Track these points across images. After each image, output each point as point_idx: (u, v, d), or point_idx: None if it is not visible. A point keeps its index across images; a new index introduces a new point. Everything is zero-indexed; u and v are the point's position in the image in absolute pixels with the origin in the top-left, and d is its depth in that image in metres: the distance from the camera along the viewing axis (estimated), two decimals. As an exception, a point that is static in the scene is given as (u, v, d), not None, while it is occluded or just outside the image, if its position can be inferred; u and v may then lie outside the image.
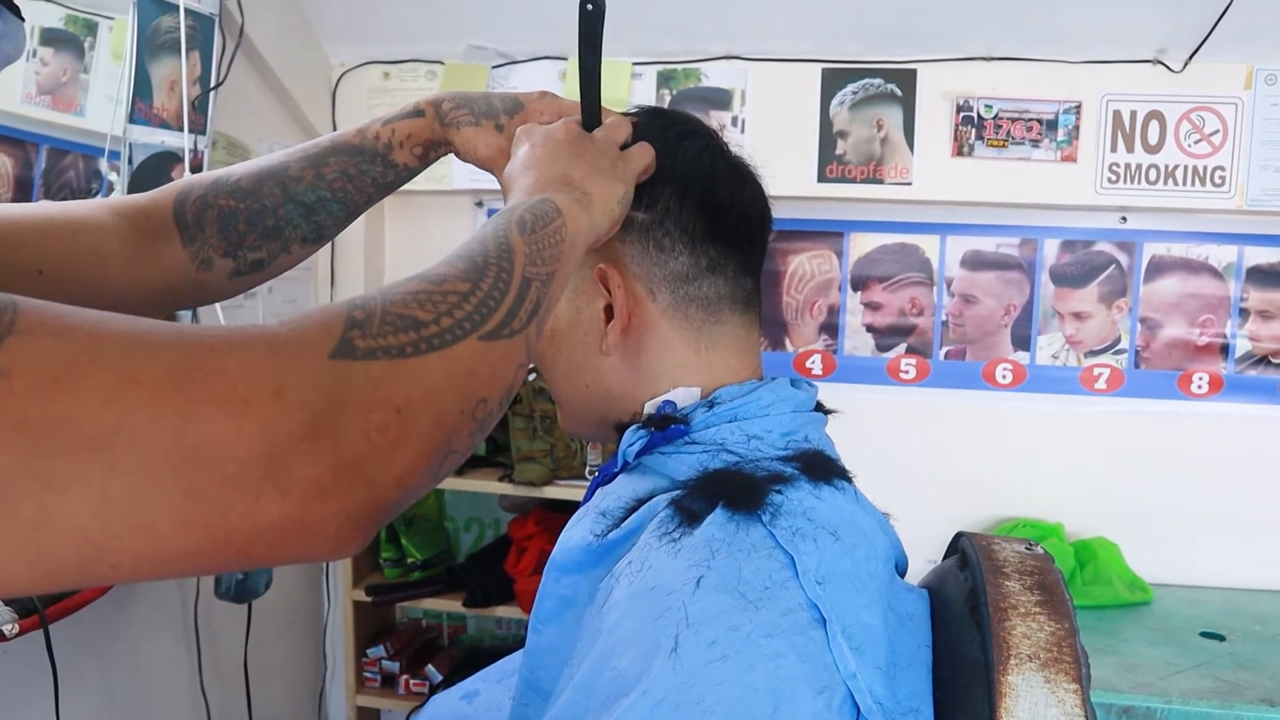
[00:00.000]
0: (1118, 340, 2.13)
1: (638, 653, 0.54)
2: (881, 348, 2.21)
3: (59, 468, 0.35)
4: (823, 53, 2.04)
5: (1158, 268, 2.10)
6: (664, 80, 2.12)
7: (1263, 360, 2.10)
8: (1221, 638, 1.84)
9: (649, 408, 0.73)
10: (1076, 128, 1.98)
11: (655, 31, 2.07)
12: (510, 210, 0.60)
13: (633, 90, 2.11)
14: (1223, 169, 1.96)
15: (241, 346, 0.41)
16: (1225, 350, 2.10)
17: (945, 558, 0.80)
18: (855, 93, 2.05)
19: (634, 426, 0.71)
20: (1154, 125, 1.96)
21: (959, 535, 0.76)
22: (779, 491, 0.63)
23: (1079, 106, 1.98)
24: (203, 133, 1.69)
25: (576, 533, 0.70)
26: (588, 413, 0.78)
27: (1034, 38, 1.95)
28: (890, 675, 0.61)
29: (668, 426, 0.69)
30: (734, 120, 2.12)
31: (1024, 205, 2.06)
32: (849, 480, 0.71)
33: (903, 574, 0.75)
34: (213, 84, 1.71)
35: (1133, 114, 1.97)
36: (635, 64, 2.11)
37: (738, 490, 0.63)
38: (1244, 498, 2.10)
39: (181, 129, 1.64)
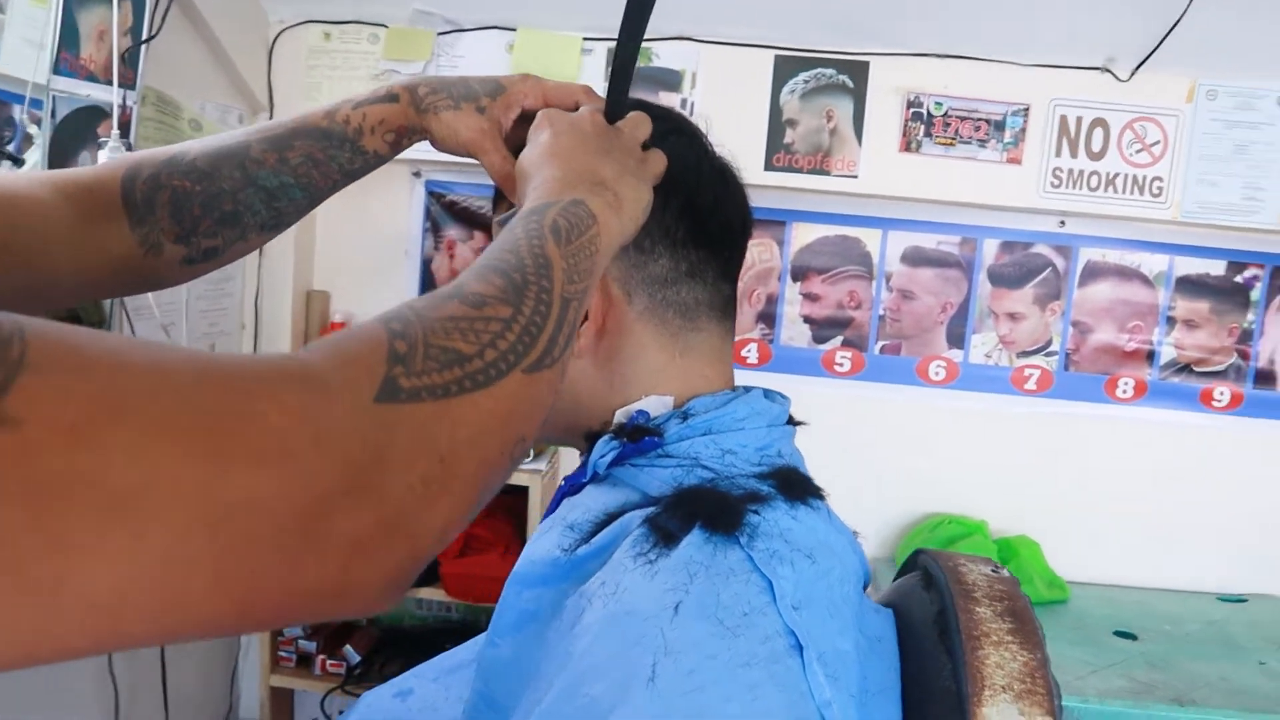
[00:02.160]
0: (1049, 342, 2.16)
1: (613, 681, 0.52)
2: (818, 339, 2.21)
3: (78, 530, 0.31)
4: (776, 39, 2.02)
5: (1092, 273, 2.13)
6: (614, 57, 2.08)
7: (1185, 368, 2.15)
8: (1134, 637, 1.89)
9: (620, 416, 0.70)
10: (1023, 130, 2.00)
11: (607, 7, 2.02)
12: (541, 211, 0.56)
13: (582, 66, 2.07)
14: (1161, 180, 1.99)
15: (279, 389, 0.37)
16: (1151, 357, 2.15)
17: (902, 574, 0.79)
18: (807, 82, 2.04)
19: (606, 437, 0.68)
20: (1098, 132, 1.99)
21: (919, 553, 0.75)
22: (756, 512, 0.61)
23: (1027, 109, 1.99)
24: (132, 88, 1.61)
25: (542, 546, 0.67)
26: (555, 417, 0.73)
27: (987, 39, 1.95)
28: (862, 702, 0.59)
29: (641, 438, 0.67)
30: (683, 103, 2.09)
31: (967, 204, 2.08)
32: (822, 499, 0.69)
33: (865, 589, 0.74)
34: (145, 36, 1.62)
35: (1079, 120, 1.99)
36: (586, 39, 2.06)
37: (715, 510, 0.60)
38: (1160, 501, 2.16)
39: (110, 82, 1.55)
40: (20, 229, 0.62)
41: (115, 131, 1.54)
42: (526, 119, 0.78)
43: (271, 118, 2.13)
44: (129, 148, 1.55)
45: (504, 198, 0.77)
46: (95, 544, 0.31)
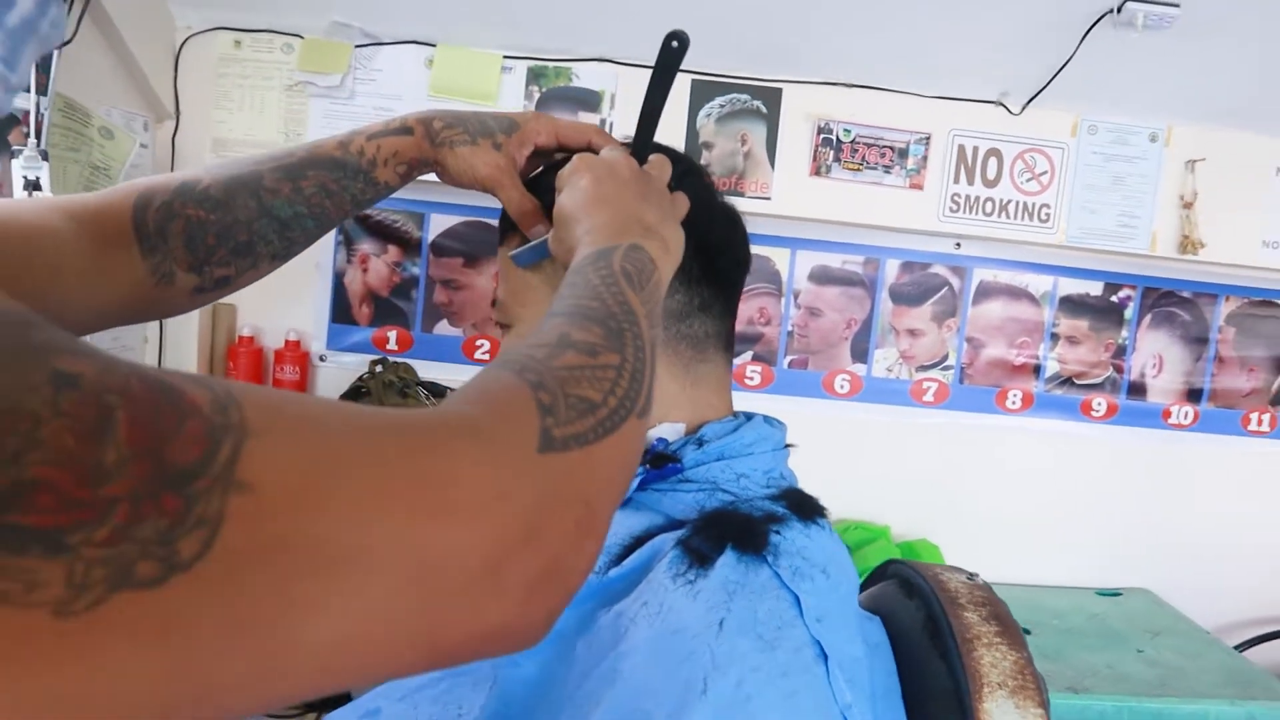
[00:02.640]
0: (946, 357, 2.29)
1: (668, 695, 0.56)
2: (730, 354, 2.28)
3: (309, 590, 0.33)
4: (693, 64, 2.08)
5: (985, 292, 2.27)
6: (534, 76, 2.11)
7: (1067, 381, 2.31)
8: (1028, 631, 2.02)
9: None
10: (925, 158, 2.11)
11: (528, 26, 2.05)
12: (606, 256, 0.58)
13: (502, 84, 2.08)
14: (1048, 207, 2.14)
15: (464, 447, 0.39)
16: (1037, 370, 2.31)
17: (871, 582, 0.85)
18: (723, 106, 2.11)
19: None
20: (993, 161, 2.12)
21: (892, 563, 0.82)
22: (777, 532, 0.66)
23: (928, 138, 2.11)
24: (44, 93, 1.54)
25: None
26: None
27: (893, 70, 2.06)
28: (874, 704, 0.65)
29: (663, 464, 0.71)
30: (603, 123, 2.13)
31: (872, 226, 2.18)
32: (826, 517, 0.74)
33: None
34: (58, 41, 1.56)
35: (975, 149, 2.12)
36: (506, 57, 2.08)
37: (742, 532, 0.65)
38: (1046, 504, 2.32)
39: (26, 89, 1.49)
40: (35, 264, 0.61)
41: (32, 140, 1.48)
42: (538, 155, 0.81)
43: (178, 127, 2.08)
44: (45, 156, 1.50)
45: (512, 231, 0.79)
46: (321, 602, 0.33)
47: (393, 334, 2.19)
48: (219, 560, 0.31)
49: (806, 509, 0.72)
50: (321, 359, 2.18)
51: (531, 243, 0.76)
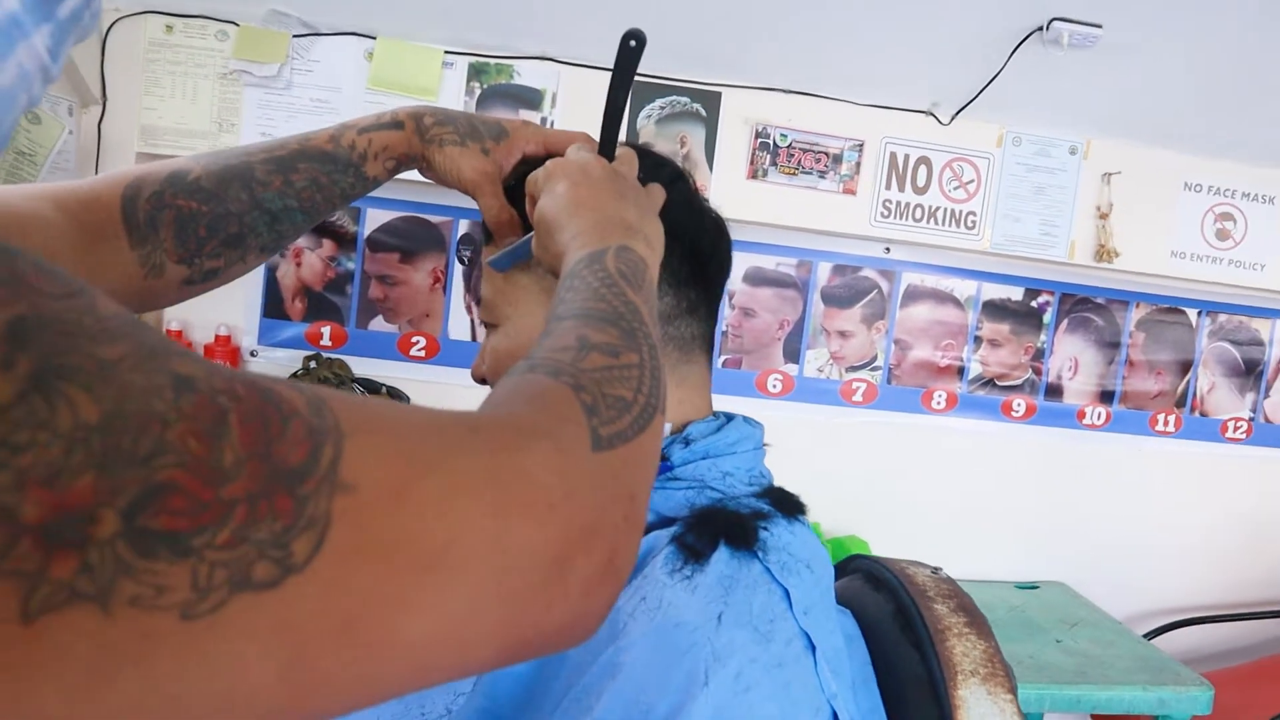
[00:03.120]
0: (875, 358, 2.35)
1: (671, 687, 0.58)
2: (666, 353, 2.31)
3: (407, 587, 0.33)
4: (634, 65, 2.10)
5: (912, 295, 2.34)
6: (475, 73, 2.10)
7: (989, 382, 2.40)
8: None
9: None
10: (858, 164, 2.17)
11: (469, 22, 2.04)
12: (599, 259, 0.59)
13: (443, 79, 2.07)
14: (974, 214, 2.22)
15: (530, 444, 0.40)
16: (961, 372, 2.39)
17: (835, 578, 0.88)
18: (662, 108, 2.13)
19: None
20: (922, 169, 2.19)
21: (856, 558, 0.85)
22: (765, 528, 0.69)
23: (862, 145, 2.17)
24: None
25: None
26: None
27: (829, 78, 2.11)
28: (855, 692, 0.68)
29: None
30: (543, 121, 2.14)
31: (806, 230, 2.23)
32: (806, 513, 0.77)
33: None
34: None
35: (906, 157, 2.19)
36: (447, 52, 2.07)
37: (734, 528, 0.67)
38: (969, 501, 2.41)
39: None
40: None
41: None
42: (525, 164, 0.81)
43: (104, 113, 2.01)
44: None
45: (493, 239, 0.80)
46: (415, 599, 0.34)
47: (326, 329, 2.16)
48: (328, 561, 0.32)
49: (789, 506, 0.74)
50: (253, 354, 2.13)
51: (507, 248, 0.76)
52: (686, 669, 0.58)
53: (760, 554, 0.67)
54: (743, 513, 0.70)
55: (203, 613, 0.29)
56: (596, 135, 0.82)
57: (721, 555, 0.65)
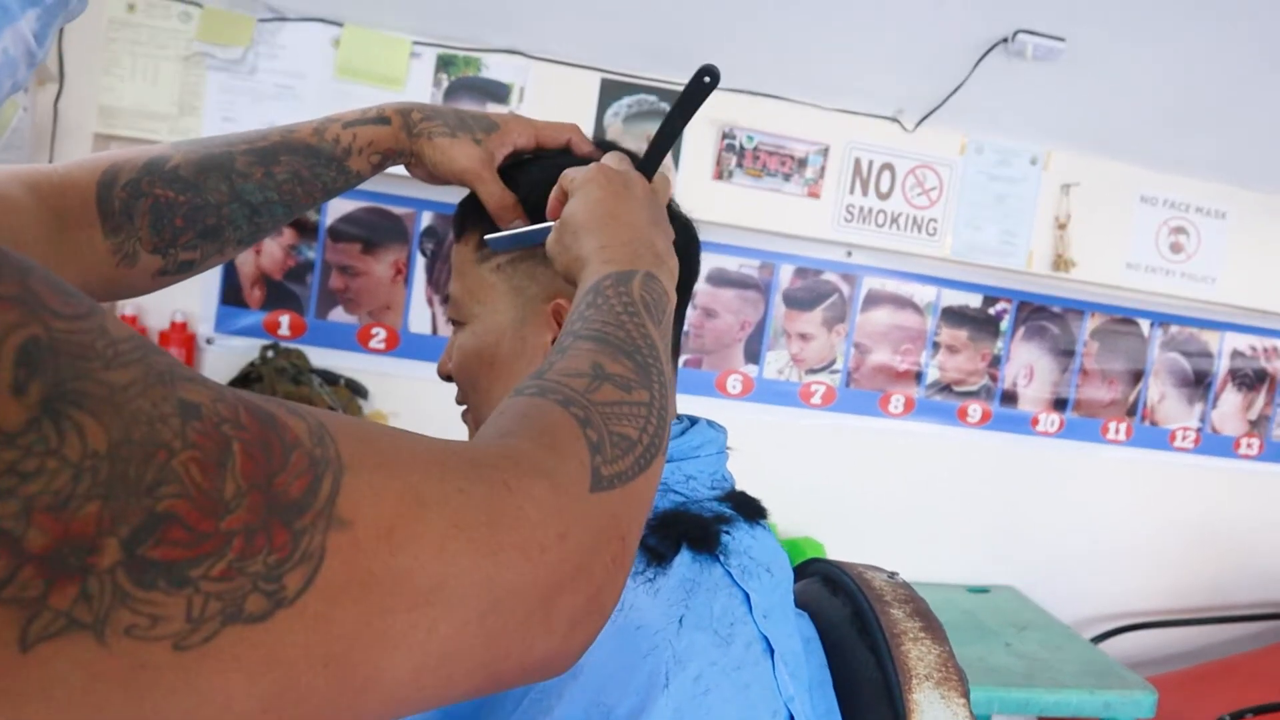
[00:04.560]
0: (834, 361, 2.37)
1: (631, 689, 0.58)
2: (628, 351, 2.31)
3: (395, 625, 0.34)
4: (603, 63, 2.10)
5: (873, 300, 2.37)
6: (443, 64, 2.09)
7: (946, 388, 2.43)
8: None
9: None
10: (823, 168, 2.19)
11: (438, 12, 2.03)
12: (626, 282, 0.59)
13: (410, 70, 2.06)
14: (936, 221, 2.24)
15: (529, 484, 0.40)
16: (919, 377, 2.41)
17: (794, 581, 0.89)
18: (630, 106, 2.13)
19: None
20: (886, 175, 2.21)
21: (814, 561, 0.86)
22: (727, 532, 0.69)
23: (827, 149, 2.19)
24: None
25: None
26: None
27: (796, 82, 2.12)
28: (811, 694, 0.68)
29: None
30: (510, 115, 2.12)
31: (769, 232, 2.24)
32: (767, 518, 0.77)
33: None
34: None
35: (870, 163, 2.21)
36: (416, 43, 2.05)
37: (696, 532, 0.67)
38: (923, 504, 2.44)
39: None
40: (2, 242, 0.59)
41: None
42: (516, 155, 0.81)
43: (61, 91, 1.97)
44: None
45: (471, 228, 0.79)
46: (401, 636, 0.34)
47: (285, 319, 2.13)
48: (318, 595, 0.32)
49: (750, 510, 0.75)
50: (209, 342, 2.10)
51: (513, 231, 0.75)
52: (647, 671, 0.59)
53: (721, 558, 0.67)
54: (705, 516, 0.70)
55: (195, 644, 0.29)
56: (581, 127, 0.83)
57: (683, 558, 0.66)
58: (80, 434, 0.27)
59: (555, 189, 0.72)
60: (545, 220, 0.73)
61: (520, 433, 0.44)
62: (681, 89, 0.77)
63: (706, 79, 0.75)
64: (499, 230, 0.77)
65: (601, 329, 0.54)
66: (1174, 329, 2.53)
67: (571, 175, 0.71)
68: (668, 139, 0.76)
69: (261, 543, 0.31)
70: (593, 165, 0.71)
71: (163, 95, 1.99)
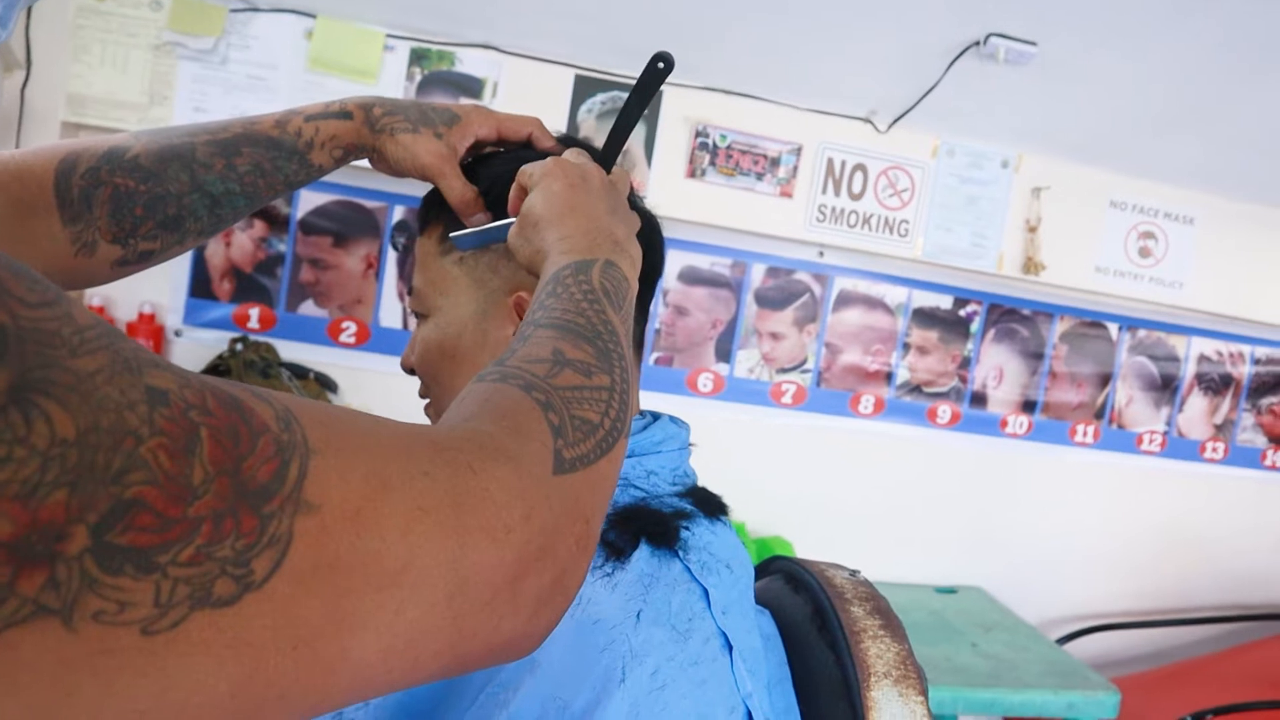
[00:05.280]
0: (805, 361, 2.38)
1: (588, 684, 0.58)
2: (600, 348, 2.31)
3: (362, 607, 0.34)
4: (577, 59, 2.10)
5: (844, 300, 2.38)
6: (416, 58, 2.08)
7: (916, 389, 2.44)
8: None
9: None
10: (796, 168, 2.19)
11: (412, 6, 2.02)
12: (585, 270, 0.59)
13: (383, 63, 2.05)
14: (908, 222, 2.26)
15: (492, 466, 0.41)
16: (889, 377, 2.42)
17: (757, 578, 0.89)
18: (604, 103, 2.13)
19: None
20: (859, 176, 2.22)
21: (777, 559, 0.86)
22: (686, 528, 0.69)
23: (800, 149, 2.19)
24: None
25: None
26: None
27: (770, 81, 2.13)
28: (770, 691, 0.69)
29: None
30: (484, 110, 2.12)
31: (742, 231, 2.25)
32: (728, 514, 0.77)
33: None
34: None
35: (843, 163, 2.22)
36: (389, 36, 2.05)
37: (656, 527, 0.67)
38: (892, 505, 2.45)
39: None
40: None
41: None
42: (479, 148, 0.81)
43: (28, 78, 1.95)
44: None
45: (434, 221, 0.79)
46: (368, 618, 0.35)
47: (255, 311, 2.12)
48: (286, 579, 0.32)
49: (711, 506, 0.75)
50: (177, 334, 2.09)
51: (477, 228, 0.75)
52: (604, 666, 0.59)
53: (681, 553, 0.67)
54: (665, 512, 0.70)
55: (163, 629, 0.29)
56: (545, 121, 0.83)
57: (642, 553, 0.66)
58: (48, 422, 0.27)
59: (514, 185, 0.72)
60: (507, 215, 0.73)
61: (483, 417, 0.45)
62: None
63: (660, 65, 0.75)
64: (461, 224, 0.77)
65: (562, 316, 0.55)
66: (1142, 333, 2.56)
67: (530, 170, 0.71)
68: (625, 129, 0.76)
69: (229, 527, 0.31)
70: (550, 159, 0.71)
71: (132, 84, 1.97)
